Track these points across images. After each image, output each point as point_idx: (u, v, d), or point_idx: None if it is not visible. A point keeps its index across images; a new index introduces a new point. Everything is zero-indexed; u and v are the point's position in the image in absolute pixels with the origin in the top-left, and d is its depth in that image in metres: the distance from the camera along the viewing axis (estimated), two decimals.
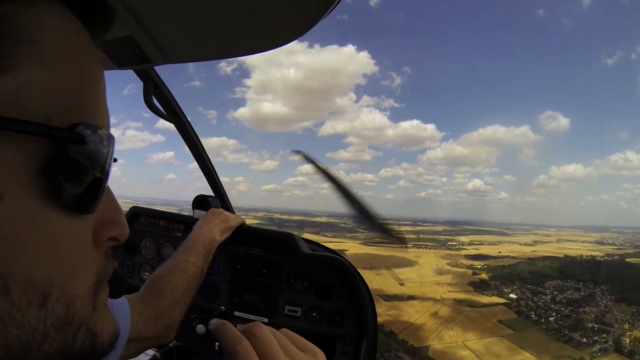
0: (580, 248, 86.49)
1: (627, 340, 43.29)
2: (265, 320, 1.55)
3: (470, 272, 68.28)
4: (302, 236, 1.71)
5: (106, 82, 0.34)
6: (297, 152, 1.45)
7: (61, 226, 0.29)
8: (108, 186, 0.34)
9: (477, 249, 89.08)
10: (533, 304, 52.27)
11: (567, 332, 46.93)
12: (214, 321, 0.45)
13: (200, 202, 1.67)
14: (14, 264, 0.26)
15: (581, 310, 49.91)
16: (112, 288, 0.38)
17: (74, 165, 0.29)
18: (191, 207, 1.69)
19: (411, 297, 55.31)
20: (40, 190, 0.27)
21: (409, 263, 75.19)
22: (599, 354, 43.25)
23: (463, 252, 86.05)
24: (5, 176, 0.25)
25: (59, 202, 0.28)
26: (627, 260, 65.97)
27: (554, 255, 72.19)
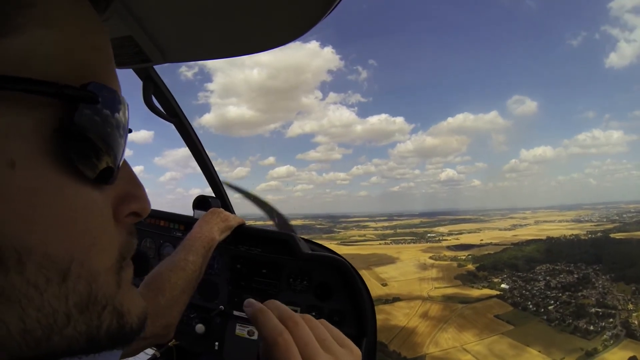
0: (560, 228, 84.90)
1: (637, 322, 38.07)
2: None
3: (455, 264, 63.62)
4: None
5: None
6: (226, 183, 1.90)
7: (79, 197, 0.26)
8: (126, 160, 0.33)
9: (457, 239, 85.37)
10: (527, 292, 47.64)
11: (571, 321, 41.92)
12: (251, 303, 0.42)
13: (201, 202, 1.68)
14: (29, 237, 0.23)
15: (579, 294, 45.60)
16: (137, 266, 0.35)
17: (88, 127, 0.26)
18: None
19: (397, 299, 49.53)
20: (55, 157, 0.25)
21: (390, 260, 69.74)
22: (611, 341, 37.91)
23: (444, 244, 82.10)
24: (14, 142, 0.23)
25: (75, 170, 0.26)
26: (612, 236, 62.49)
27: (537, 238, 68.76)
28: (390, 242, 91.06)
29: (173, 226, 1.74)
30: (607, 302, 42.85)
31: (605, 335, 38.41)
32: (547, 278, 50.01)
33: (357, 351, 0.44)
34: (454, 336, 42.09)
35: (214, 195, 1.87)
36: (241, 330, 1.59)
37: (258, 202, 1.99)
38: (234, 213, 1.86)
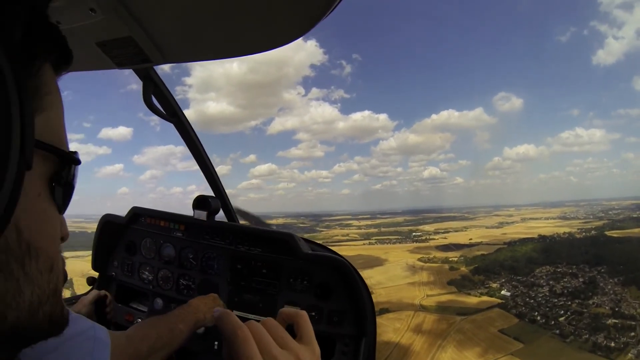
0: (548, 225, 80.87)
1: None
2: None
3: (446, 266, 58.63)
4: None
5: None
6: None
7: (56, 220, 0.42)
8: None
9: (445, 238, 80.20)
10: (532, 300, 42.27)
11: (587, 336, 35.92)
12: (218, 309, 0.51)
13: (201, 202, 1.70)
14: (40, 242, 0.37)
15: (591, 302, 40.05)
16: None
17: (68, 177, 0.42)
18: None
19: (385, 310, 43.72)
20: (50, 193, 0.39)
21: (376, 262, 63.78)
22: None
23: (432, 243, 77.05)
24: (39, 181, 0.38)
25: (54, 202, 0.40)
26: (608, 234, 57.00)
27: (528, 236, 63.55)
28: (375, 242, 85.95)
29: (173, 226, 1.76)
30: (623, 311, 36.30)
31: (630, 355, 31.72)
32: (551, 282, 44.09)
33: (317, 349, 0.50)
34: (455, 357, 34.71)
35: (213, 195, 1.89)
36: None
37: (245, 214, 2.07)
38: (234, 213, 2.02)
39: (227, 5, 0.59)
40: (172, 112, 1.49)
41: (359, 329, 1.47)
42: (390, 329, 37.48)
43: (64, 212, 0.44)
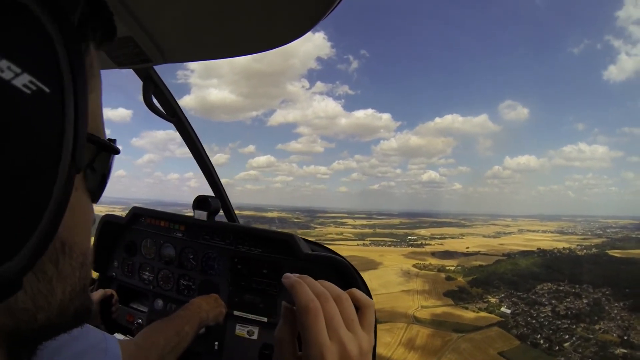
0: (546, 239, 78.34)
1: None
2: (265, 320, 1.59)
3: (443, 275, 56.10)
4: None
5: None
6: None
7: (90, 211, 0.38)
8: None
9: (442, 244, 77.88)
10: (533, 320, 39.47)
11: None
12: (289, 276, 0.49)
13: (201, 202, 1.71)
14: (74, 237, 0.34)
15: (597, 327, 36.86)
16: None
17: (105, 168, 0.38)
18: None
19: (376, 321, 40.17)
20: (85, 184, 0.36)
21: (370, 266, 61.23)
22: None
23: (428, 249, 74.86)
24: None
25: (88, 192, 0.37)
26: (610, 253, 53.83)
27: (527, 249, 60.54)
28: (370, 244, 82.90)
29: (173, 226, 1.76)
30: (632, 340, 32.94)
31: None
32: (553, 302, 40.72)
33: (372, 340, 0.48)
34: None
35: (213, 195, 1.88)
36: (241, 330, 1.58)
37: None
38: (234, 213, 2.00)
39: (227, 5, 0.58)
40: (172, 112, 1.49)
41: None
42: (380, 343, 34.25)
43: (97, 202, 0.40)
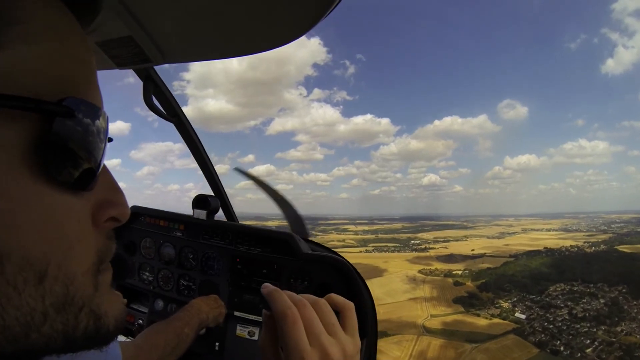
0: (551, 237, 76.41)
1: None
2: None
3: (450, 280, 54.12)
4: None
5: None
6: (237, 169, 1.94)
7: (56, 203, 0.28)
8: (106, 167, 0.34)
9: (446, 247, 75.75)
10: (551, 325, 37.36)
11: None
12: (267, 285, 0.49)
13: (201, 202, 1.70)
14: (8, 242, 0.25)
15: (619, 329, 34.41)
16: (116, 271, 0.37)
17: (65, 140, 0.28)
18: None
19: (383, 333, 38.15)
20: (33, 167, 0.26)
21: (374, 273, 59.39)
22: None
23: (432, 253, 73.00)
24: (5, 154, 0.25)
25: (53, 179, 0.27)
26: (619, 248, 51.75)
27: (533, 249, 58.39)
28: (372, 250, 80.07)
29: (173, 226, 1.75)
30: None
31: None
32: (569, 303, 38.46)
33: (358, 342, 0.48)
34: None
35: (213, 195, 1.89)
36: (242, 331, 1.58)
37: (268, 190, 1.94)
38: (234, 212, 1.99)
39: (227, 5, 0.58)
40: (172, 112, 1.49)
41: (360, 330, 1.15)
42: (389, 358, 31.83)
43: (83, 188, 0.30)
